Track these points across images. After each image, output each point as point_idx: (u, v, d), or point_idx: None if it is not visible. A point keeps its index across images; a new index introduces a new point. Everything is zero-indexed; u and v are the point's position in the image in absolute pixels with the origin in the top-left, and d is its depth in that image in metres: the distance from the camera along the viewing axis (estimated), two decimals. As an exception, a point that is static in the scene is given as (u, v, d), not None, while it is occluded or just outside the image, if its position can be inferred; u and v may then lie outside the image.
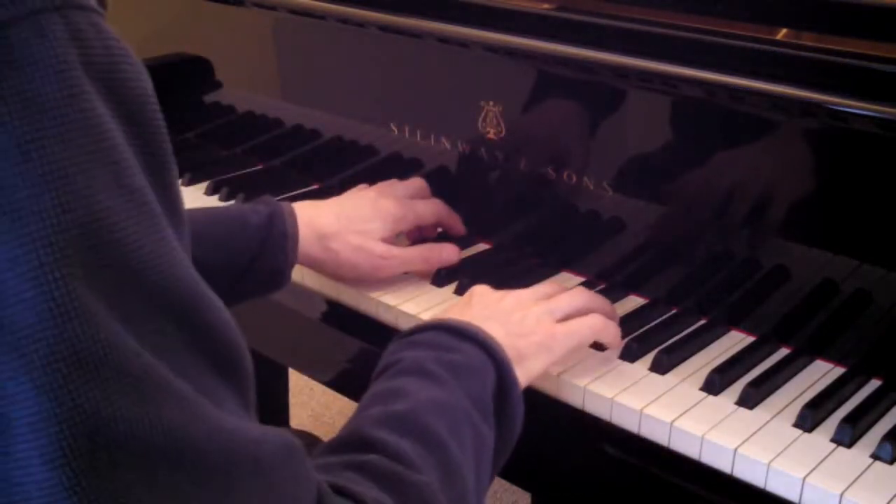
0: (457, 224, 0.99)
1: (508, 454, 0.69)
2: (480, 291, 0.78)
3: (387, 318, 0.89)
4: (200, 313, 0.42)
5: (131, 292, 0.39)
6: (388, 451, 0.58)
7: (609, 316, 0.79)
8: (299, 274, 0.93)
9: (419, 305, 0.88)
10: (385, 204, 0.92)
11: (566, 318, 0.76)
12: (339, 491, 0.53)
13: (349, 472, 0.56)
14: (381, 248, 0.89)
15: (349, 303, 0.93)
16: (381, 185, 0.97)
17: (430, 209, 0.96)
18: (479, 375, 0.67)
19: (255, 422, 0.48)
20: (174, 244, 0.40)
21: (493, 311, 0.75)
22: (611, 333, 0.78)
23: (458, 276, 0.92)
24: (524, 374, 0.71)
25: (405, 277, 0.93)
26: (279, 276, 0.85)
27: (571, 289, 0.81)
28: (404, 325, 0.86)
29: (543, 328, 0.74)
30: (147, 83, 0.42)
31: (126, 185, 0.39)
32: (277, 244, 0.84)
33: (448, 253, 0.93)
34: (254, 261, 0.83)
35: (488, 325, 0.71)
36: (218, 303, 0.44)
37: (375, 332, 0.89)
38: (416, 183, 0.98)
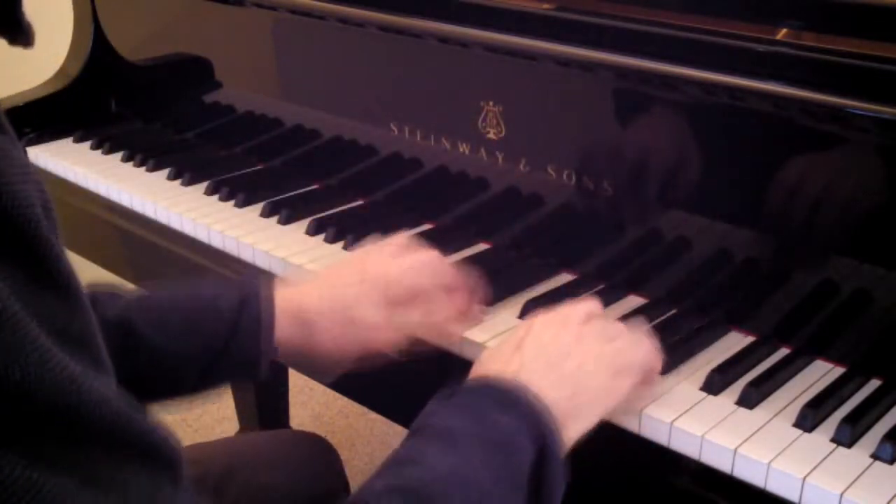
0: (462, 290, 0.84)
1: None
2: (537, 331, 0.71)
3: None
4: (86, 410, 0.39)
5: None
6: None
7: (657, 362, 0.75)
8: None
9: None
10: (377, 267, 0.81)
11: (623, 365, 0.71)
12: None
13: None
14: (371, 315, 0.79)
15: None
16: (384, 246, 0.86)
17: (433, 276, 0.83)
18: (515, 448, 0.62)
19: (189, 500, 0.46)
20: (48, 354, 0.37)
21: (545, 360, 0.69)
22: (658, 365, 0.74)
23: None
24: (574, 431, 0.67)
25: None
26: (252, 365, 0.78)
27: (629, 325, 0.75)
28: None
29: (600, 379, 0.69)
30: (4, 164, 0.38)
31: None
32: (250, 333, 0.77)
33: (449, 319, 0.83)
34: (225, 349, 0.76)
35: (538, 380, 0.66)
36: (100, 387, 0.41)
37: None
38: (403, 238, 0.88)
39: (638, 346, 0.73)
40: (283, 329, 0.78)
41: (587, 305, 0.75)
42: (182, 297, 0.80)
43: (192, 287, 0.82)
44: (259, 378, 0.79)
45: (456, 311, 0.84)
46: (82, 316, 0.41)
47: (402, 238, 0.88)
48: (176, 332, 0.76)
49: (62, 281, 0.40)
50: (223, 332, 0.76)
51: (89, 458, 0.40)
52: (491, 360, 0.71)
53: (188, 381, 0.78)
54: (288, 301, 0.79)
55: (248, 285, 0.79)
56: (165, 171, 1.21)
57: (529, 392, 0.65)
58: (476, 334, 0.83)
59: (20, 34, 0.49)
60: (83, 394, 0.39)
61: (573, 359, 0.69)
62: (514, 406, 0.64)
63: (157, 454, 0.44)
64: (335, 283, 0.81)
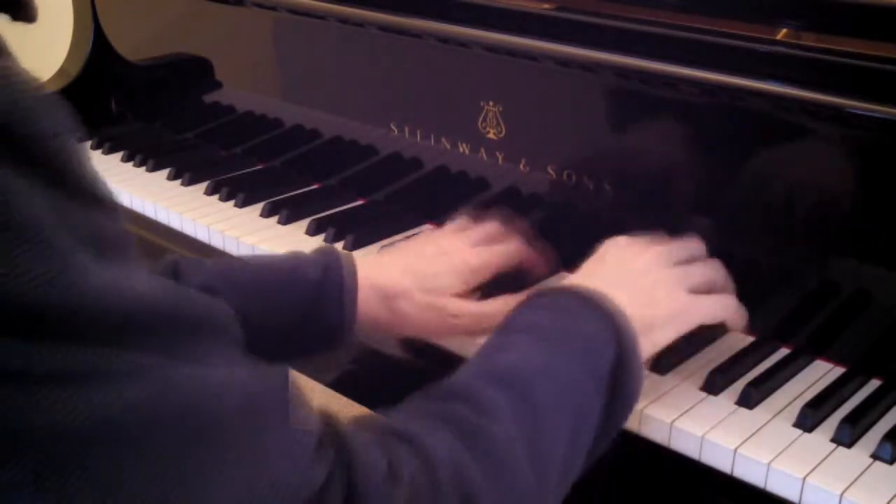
0: (540, 263, 0.88)
1: (617, 430, 0.68)
2: (617, 246, 0.76)
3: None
4: (141, 304, 0.42)
5: (59, 315, 0.39)
6: (476, 400, 0.58)
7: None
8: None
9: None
10: (459, 255, 0.82)
11: (699, 290, 0.75)
12: (403, 437, 0.54)
13: (429, 419, 0.57)
14: (454, 306, 0.80)
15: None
16: (454, 232, 0.87)
17: (510, 254, 0.85)
18: (598, 346, 0.66)
19: (248, 364, 0.48)
20: (79, 261, 0.39)
21: (625, 274, 0.73)
22: (740, 316, 0.77)
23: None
24: (651, 344, 0.70)
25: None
26: (337, 334, 0.78)
27: (708, 261, 0.78)
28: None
29: (676, 299, 0.72)
30: (26, 98, 0.39)
31: (10, 225, 0.37)
32: (333, 299, 0.77)
33: None
34: (308, 316, 0.76)
35: (617, 292, 0.69)
36: (149, 280, 0.44)
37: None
38: (492, 227, 0.88)
39: (714, 269, 0.77)
40: (367, 302, 0.78)
41: (662, 242, 0.78)
42: (263, 265, 0.80)
43: (273, 258, 0.83)
44: (340, 348, 0.79)
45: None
46: (120, 225, 0.43)
47: (491, 225, 0.88)
48: (257, 298, 0.75)
49: (95, 194, 0.42)
50: (305, 298, 0.76)
51: (161, 342, 0.42)
52: (575, 275, 0.75)
53: (269, 349, 0.77)
54: (371, 275, 0.79)
55: (331, 255, 0.79)
56: (165, 171, 1.21)
57: (609, 298, 0.68)
58: (480, 336, 0.83)
59: (21, 9, 0.49)
60: (134, 292, 0.41)
61: (651, 275, 0.73)
62: (596, 308, 0.67)
63: (220, 324, 0.47)
64: (419, 267, 0.81)
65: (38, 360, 0.38)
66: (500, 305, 0.81)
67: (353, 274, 0.78)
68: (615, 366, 0.66)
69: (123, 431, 0.40)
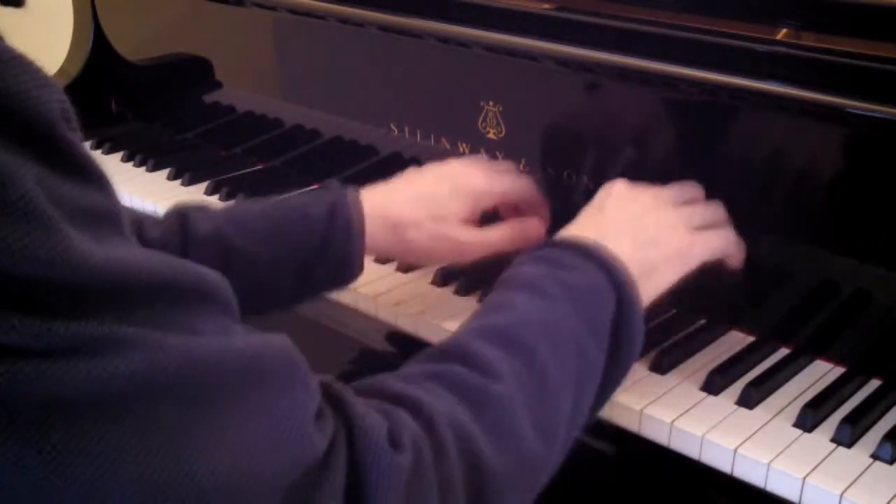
0: (543, 205, 0.88)
1: (622, 380, 0.68)
2: (617, 194, 0.75)
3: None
4: (131, 277, 0.42)
5: (50, 290, 0.39)
6: (476, 361, 0.58)
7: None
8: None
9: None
10: (466, 180, 0.83)
11: (702, 228, 0.75)
12: (404, 401, 0.53)
13: (429, 381, 0.57)
14: (462, 234, 0.81)
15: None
16: (465, 159, 0.88)
17: (517, 185, 0.86)
18: (596, 297, 0.66)
19: (245, 332, 0.48)
20: (69, 236, 0.39)
21: (624, 219, 0.73)
22: (741, 252, 0.78)
23: (457, 277, 0.91)
24: (653, 287, 0.70)
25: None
26: (348, 268, 0.80)
27: (708, 202, 0.79)
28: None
29: (678, 237, 0.73)
30: (20, 72, 0.39)
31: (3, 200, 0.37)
32: (342, 235, 0.78)
33: (535, 230, 0.84)
34: (319, 254, 0.78)
35: (617, 239, 0.70)
36: (140, 252, 0.43)
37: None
38: (503, 164, 0.89)
39: (714, 209, 0.77)
40: (376, 232, 0.80)
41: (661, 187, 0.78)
42: (271, 208, 0.81)
43: (279, 199, 0.83)
44: (355, 279, 0.81)
45: (538, 227, 0.85)
46: (110, 199, 0.43)
47: (503, 162, 0.90)
48: (268, 241, 0.77)
49: (84, 169, 0.42)
50: (316, 238, 0.78)
51: (152, 313, 0.42)
52: (573, 225, 0.75)
53: (285, 289, 0.80)
54: (379, 205, 0.80)
55: (336, 191, 0.80)
56: (165, 172, 1.21)
57: (607, 249, 0.68)
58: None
59: None
60: (124, 265, 0.41)
61: (651, 215, 0.73)
62: (594, 260, 0.67)
63: (213, 293, 0.46)
64: (426, 194, 0.82)
65: (31, 335, 0.38)
66: (506, 232, 0.83)
67: (360, 209, 0.79)
68: (616, 317, 0.66)
69: (116, 404, 0.40)
